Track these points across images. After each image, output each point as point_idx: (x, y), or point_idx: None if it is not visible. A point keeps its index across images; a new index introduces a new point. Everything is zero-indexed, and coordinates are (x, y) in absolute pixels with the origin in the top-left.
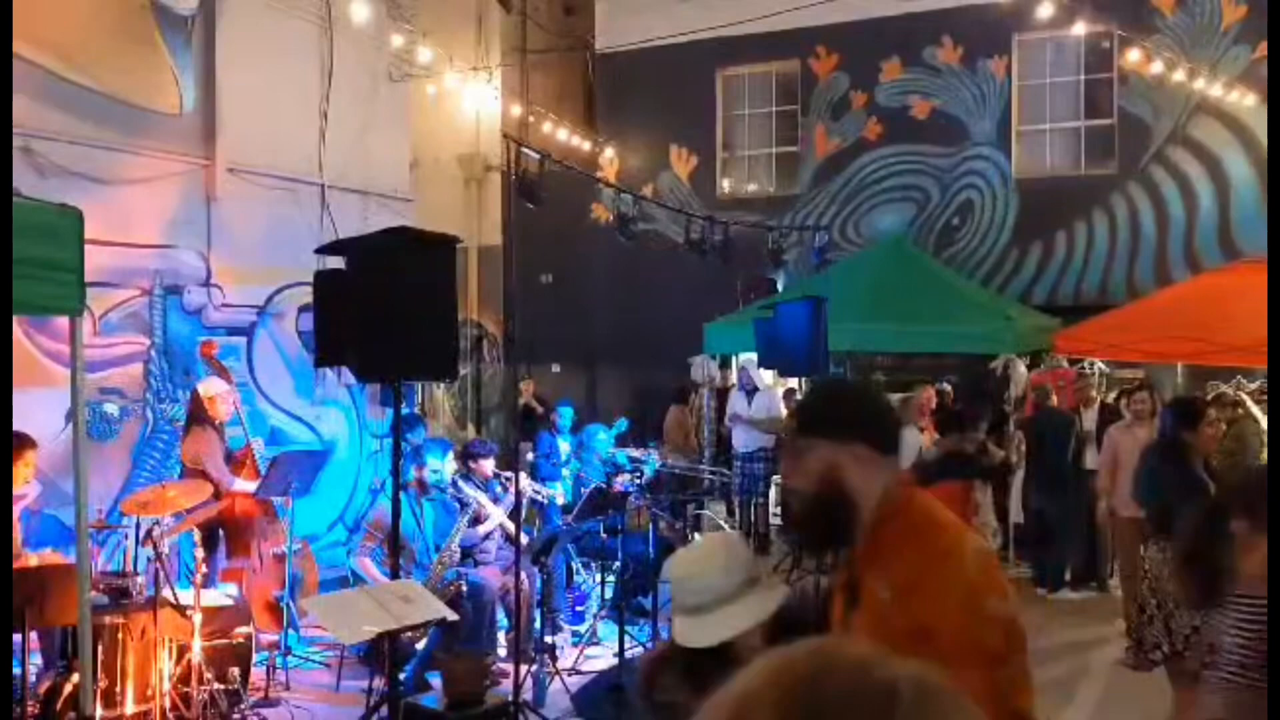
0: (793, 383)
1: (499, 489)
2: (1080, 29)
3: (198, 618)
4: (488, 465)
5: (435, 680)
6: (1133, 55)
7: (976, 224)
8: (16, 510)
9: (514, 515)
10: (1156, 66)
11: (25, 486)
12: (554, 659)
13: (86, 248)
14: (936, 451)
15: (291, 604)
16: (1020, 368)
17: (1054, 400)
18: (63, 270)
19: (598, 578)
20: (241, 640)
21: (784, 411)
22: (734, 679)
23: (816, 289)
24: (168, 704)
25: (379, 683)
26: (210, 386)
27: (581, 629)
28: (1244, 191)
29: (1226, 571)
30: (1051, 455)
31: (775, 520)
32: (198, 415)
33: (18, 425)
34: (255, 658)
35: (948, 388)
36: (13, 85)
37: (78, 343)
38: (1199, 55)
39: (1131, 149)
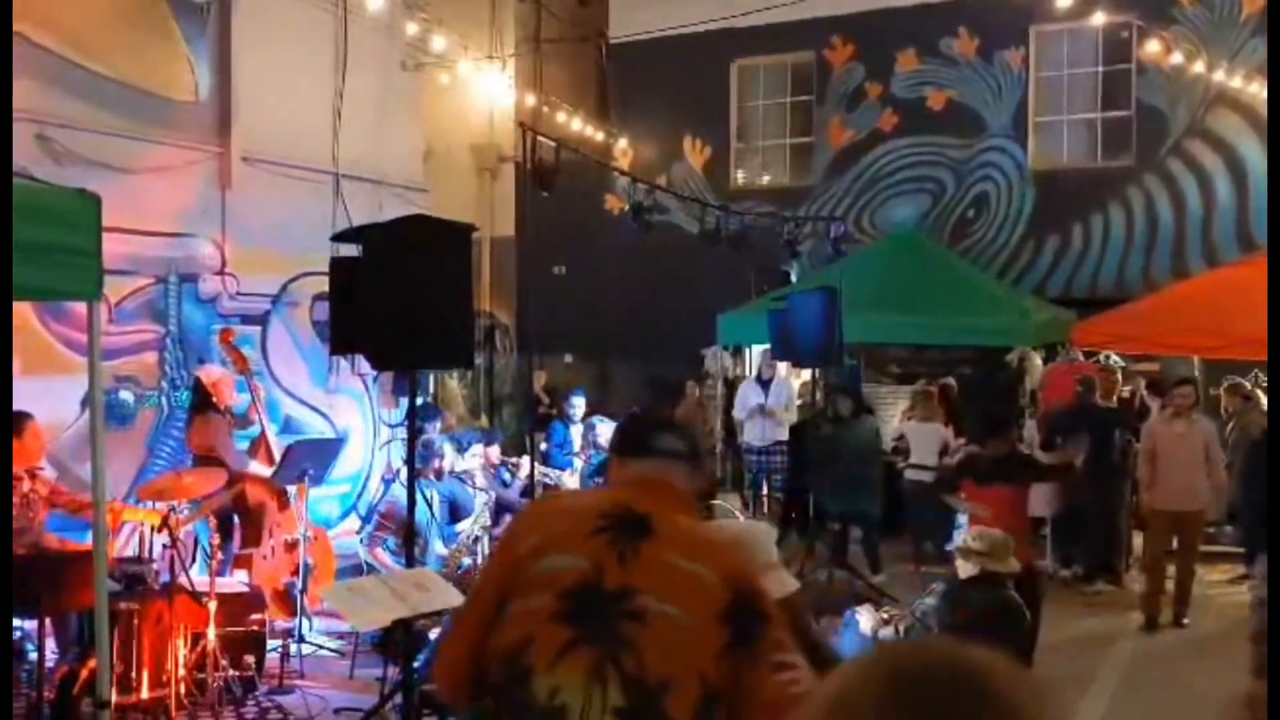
0: (807, 374)
1: (507, 475)
2: (1098, 20)
3: (213, 605)
4: (493, 452)
5: None
6: (1151, 46)
7: (992, 216)
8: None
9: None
10: (1175, 58)
11: (40, 460)
12: None
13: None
14: (986, 453)
15: (301, 592)
16: (1036, 361)
17: (1098, 394)
18: (81, 255)
19: None
20: (256, 628)
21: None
22: (828, 679)
23: (830, 280)
24: (183, 690)
25: (393, 671)
26: (211, 373)
27: None
28: (1261, 184)
29: None
30: (1095, 449)
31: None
32: (203, 402)
33: (35, 412)
34: (269, 645)
35: (952, 382)
36: (24, 73)
37: (95, 329)
38: (1217, 47)
39: (1149, 141)
